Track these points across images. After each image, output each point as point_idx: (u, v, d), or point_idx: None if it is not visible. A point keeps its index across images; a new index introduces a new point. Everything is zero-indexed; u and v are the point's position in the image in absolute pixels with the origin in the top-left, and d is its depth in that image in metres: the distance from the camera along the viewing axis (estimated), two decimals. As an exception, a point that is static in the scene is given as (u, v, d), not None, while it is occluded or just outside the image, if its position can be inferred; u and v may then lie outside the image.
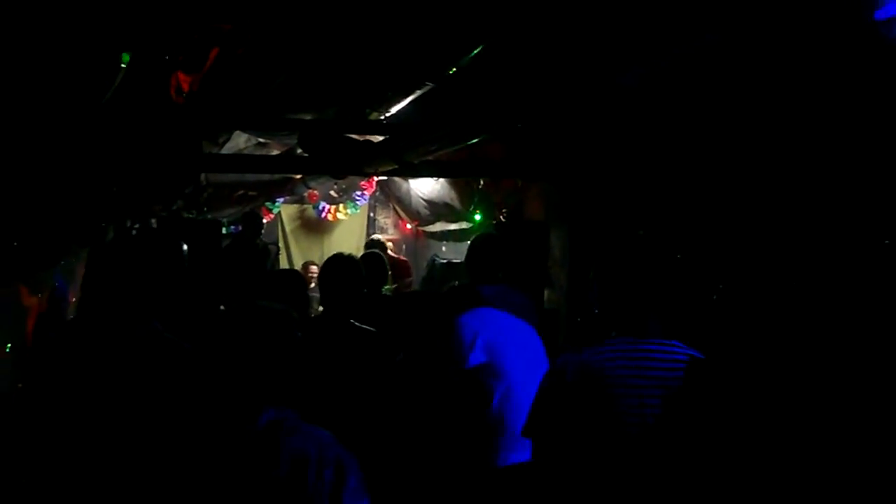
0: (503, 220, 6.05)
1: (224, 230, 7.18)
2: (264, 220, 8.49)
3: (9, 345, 2.45)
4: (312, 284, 9.29)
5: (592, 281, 2.26)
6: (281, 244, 9.94)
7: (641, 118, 3.85)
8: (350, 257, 3.35)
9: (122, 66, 1.79)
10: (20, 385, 2.51)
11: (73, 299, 3.30)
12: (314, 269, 9.45)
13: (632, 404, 2.07)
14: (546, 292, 5.31)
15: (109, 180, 2.61)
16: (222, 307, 5.81)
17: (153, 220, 5.86)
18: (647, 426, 2.07)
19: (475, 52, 3.49)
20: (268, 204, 9.53)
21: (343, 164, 5.47)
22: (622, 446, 2.05)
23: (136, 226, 5.48)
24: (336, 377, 2.85)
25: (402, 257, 8.28)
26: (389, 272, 4.91)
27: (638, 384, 2.09)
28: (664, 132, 3.76)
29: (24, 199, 1.86)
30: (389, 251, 8.30)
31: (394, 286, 6.67)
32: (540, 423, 2.18)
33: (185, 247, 3.52)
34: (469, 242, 4.10)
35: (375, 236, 9.11)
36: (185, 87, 2.77)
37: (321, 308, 3.70)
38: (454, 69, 3.90)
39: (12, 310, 2.55)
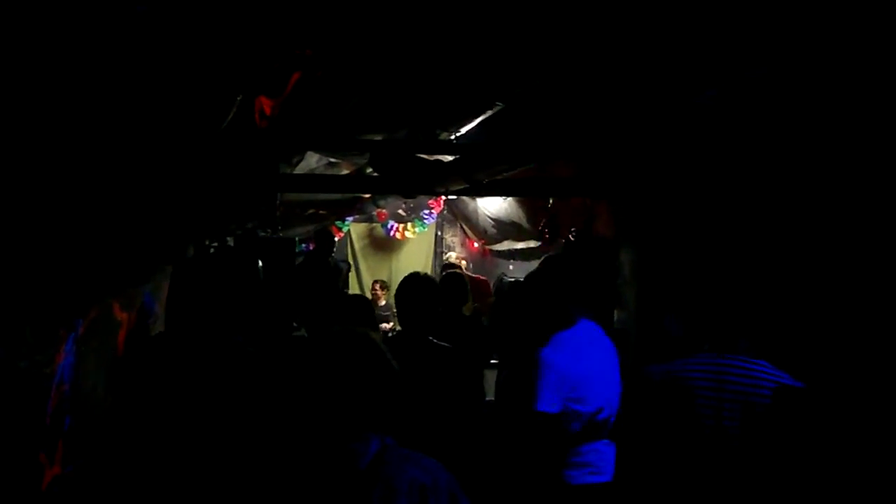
0: (572, 238, 6.01)
1: (296, 248, 7.30)
2: (335, 239, 8.61)
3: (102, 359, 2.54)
4: (383, 302, 9.43)
5: (667, 302, 2.45)
6: (350, 262, 10.07)
7: (714, 137, 3.81)
8: (425, 276, 3.38)
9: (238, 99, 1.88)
10: (113, 398, 2.62)
11: (159, 312, 3.41)
12: (378, 288, 9.54)
13: (707, 413, 2.32)
14: (616, 312, 5.26)
15: (204, 202, 2.73)
16: (295, 324, 5.93)
17: (229, 239, 6.02)
18: (723, 431, 2.29)
19: (548, 72, 3.51)
20: (337, 222, 9.67)
21: (414, 184, 5.55)
22: (697, 446, 2.31)
23: (214, 244, 5.64)
24: (416, 393, 2.89)
25: (482, 277, 8.24)
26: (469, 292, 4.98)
27: (714, 395, 2.33)
28: (736, 152, 3.71)
29: (129, 218, 1.96)
30: (467, 271, 8.30)
31: (475, 306, 6.68)
32: (627, 422, 2.50)
33: (259, 263, 3.64)
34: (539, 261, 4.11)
35: (449, 258, 9.10)
36: (268, 110, 2.87)
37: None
38: (525, 89, 3.92)
39: (105, 324, 2.64)
